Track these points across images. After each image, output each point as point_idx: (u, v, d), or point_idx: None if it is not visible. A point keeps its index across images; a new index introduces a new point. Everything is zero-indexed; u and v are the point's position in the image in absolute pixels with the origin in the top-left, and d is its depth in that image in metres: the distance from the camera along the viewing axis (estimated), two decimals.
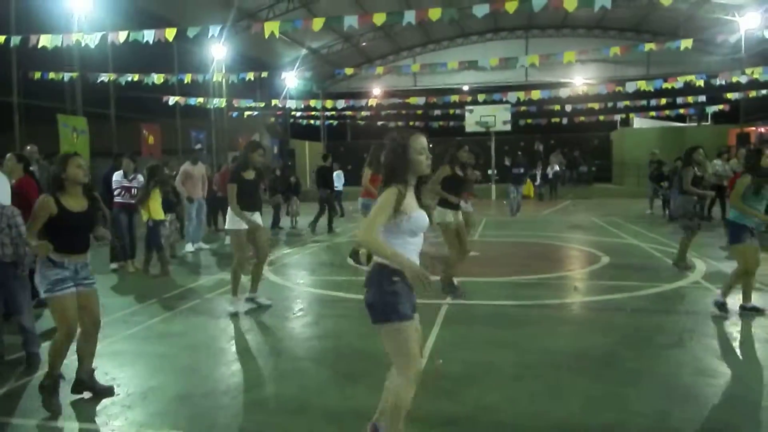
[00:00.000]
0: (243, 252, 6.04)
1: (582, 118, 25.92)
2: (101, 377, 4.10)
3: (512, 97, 17.42)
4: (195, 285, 7.59)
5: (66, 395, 3.84)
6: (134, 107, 17.16)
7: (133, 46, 10.97)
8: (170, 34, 9.39)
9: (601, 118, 25.58)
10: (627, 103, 22.94)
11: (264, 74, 16.85)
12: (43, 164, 8.86)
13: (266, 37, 8.26)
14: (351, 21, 7.68)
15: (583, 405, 3.63)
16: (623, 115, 25.60)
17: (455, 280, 6.60)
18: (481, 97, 19.46)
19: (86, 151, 13.65)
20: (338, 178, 15.43)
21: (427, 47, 30.15)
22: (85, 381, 3.91)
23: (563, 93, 15.46)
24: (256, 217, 6.05)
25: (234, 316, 5.88)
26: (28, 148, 8.81)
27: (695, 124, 28.23)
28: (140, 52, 13.47)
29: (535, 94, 16.27)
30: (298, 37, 23.65)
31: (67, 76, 13.62)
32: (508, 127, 24.09)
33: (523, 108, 23.36)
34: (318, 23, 8.27)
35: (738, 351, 4.77)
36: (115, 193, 8.50)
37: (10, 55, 12.49)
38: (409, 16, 7.38)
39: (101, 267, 8.64)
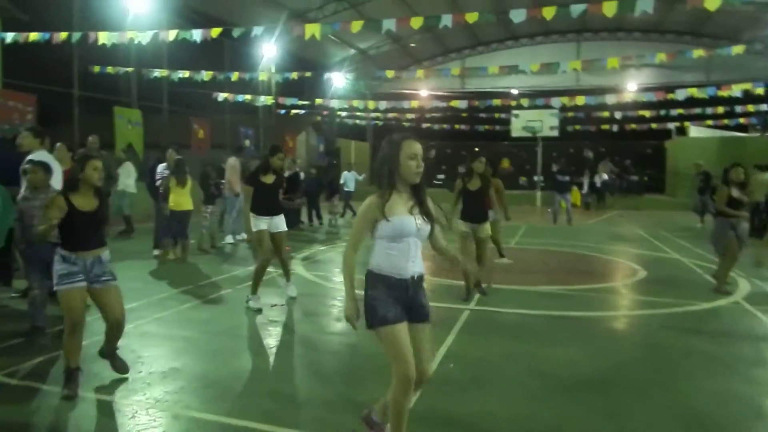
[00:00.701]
0: (266, 251, 6.08)
1: (633, 126, 25.14)
2: (128, 355, 4.33)
3: (561, 102, 17.01)
4: (229, 275, 7.83)
5: (95, 364, 4.08)
6: (186, 102, 17.81)
7: (186, 44, 11.37)
8: (216, 33, 9.73)
9: (654, 126, 24.65)
10: (681, 111, 22.05)
11: (307, 74, 17.10)
12: (105, 155, 9.32)
13: (306, 38, 8.43)
14: (389, 24, 7.77)
15: (585, 422, 3.56)
16: (677, 124, 24.60)
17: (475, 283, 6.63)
18: (523, 102, 19.04)
19: (139, 143, 14.27)
20: (350, 180, 15.52)
21: (476, 49, 29.93)
22: (104, 355, 4.12)
23: (612, 99, 14.99)
24: (277, 221, 6.13)
25: (258, 311, 5.96)
26: (90, 139, 9.30)
27: (758, 134, 26.90)
28: (193, 50, 13.92)
29: (580, 100, 15.88)
30: (347, 38, 23.94)
31: (123, 70, 14.27)
32: (555, 133, 23.65)
33: (570, 114, 22.81)
34: (356, 26, 8.39)
35: None
36: (158, 183, 8.88)
37: (71, 50, 13.18)
38: (446, 19, 7.39)
39: (146, 254, 9.07)
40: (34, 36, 10.35)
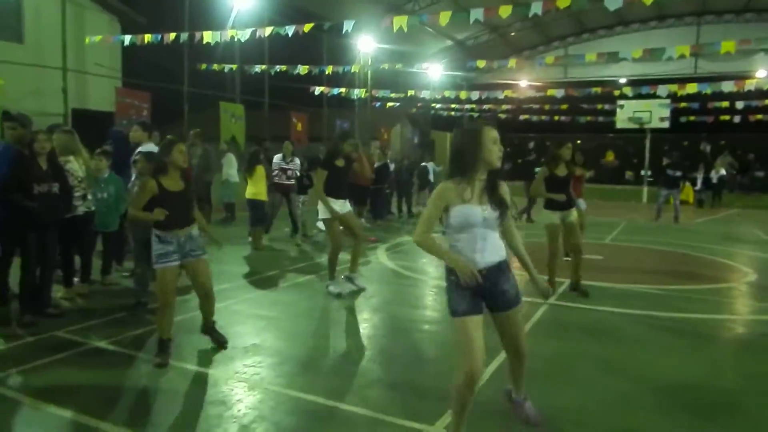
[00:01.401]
0: (337, 240, 6.26)
1: (759, 117, 22.90)
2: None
3: (669, 90, 15.75)
4: (315, 262, 8.16)
5: (189, 337, 4.47)
6: (285, 96, 18.63)
7: (285, 41, 11.90)
8: (308, 28, 10.10)
9: None
10: None
11: (397, 66, 17.23)
12: (206, 148, 10.07)
13: (395, 30, 8.54)
14: (477, 14, 7.64)
15: (659, 429, 3.36)
16: None
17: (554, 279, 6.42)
18: (627, 90, 17.80)
19: (241, 136, 15.14)
20: (430, 172, 15.31)
21: (580, 37, 28.63)
22: (205, 331, 4.50)
23: (733, 87, 13.60)
24: (344, 205, 6.28)
25: (338, 296, 6.18)
26: (191, 133, 10.07)
27: None
28: (293, 46, 14.56)
29: (691, 88, 14.62)
30: (444, 29, 23.80)
31: (228, 67, 15.19)
32: (666, 125, 22.08)
33: (682, 104, 21.07)
34: (444, 17, 8.33)
35: None
36: (273, 173, 9.50)
37: (182, 49, 14.24)
38: (536, 7, 7.13)
39: (242, 239, 9.65)
40: (148, 37, 11.30)
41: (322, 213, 6.23)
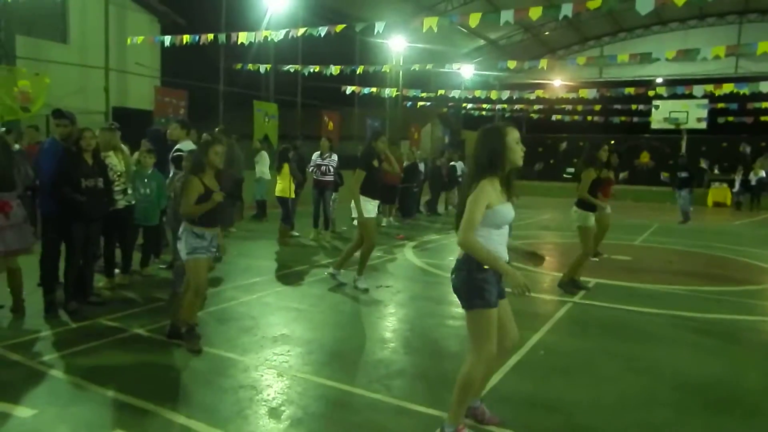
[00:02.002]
0: (373, 237, 6.39)
1: None
2: (248, 321, 4.95)
3: (705, 90, 15.41)
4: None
5: (222, 326, 4.69)
6: (318, 96, 18.91)
7: (318, 41, 12.09)
8: (339, 28, 10.29)
9: None
10: None
11: (428, 66, 17.30)
12: (231, 142, 10.33)
13: (424, 30, 8.66)
14: (507, 15, 7.68)
15: (678, 427, 3.41)
16: None
17: (580, 279, 6.47)
18: (660, 91, 17.47)
19: (274, 134, 15.44)
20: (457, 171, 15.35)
21: (617, 36, 28.18)
22: (174, 329, 4.52)
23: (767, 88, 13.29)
24: (375, 207, 6.39)
25: (365, 291, 6.34)
26: (216, 129, 10.38)
27: None
28: (326, 46, 14.76)
29: (728, 88, 14.28)
30: (476, 29, 23.74)
31: (263, 67, 15.52)
32: (703, 125, 21.66)
33: (720, 104, 20.52)
34: (474, 18, 8.37)
35: None
36: (311, 170, 9.78)
37: (218, 49, 14.60)
38: (567, 9, 7.11)
39: (275, 234, 9.88)
40: (187, 38, 11.65)
41: (364, 213, 6.25)
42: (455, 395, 2.94)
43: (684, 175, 14.04)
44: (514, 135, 2.92)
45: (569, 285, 6.39)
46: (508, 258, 2.96)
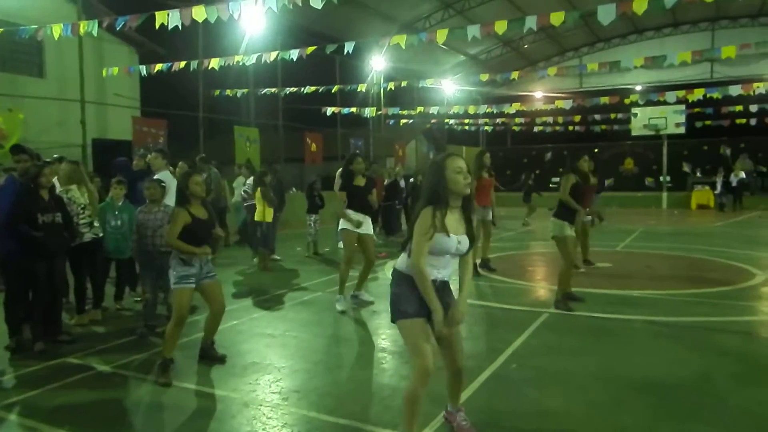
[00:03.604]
0: (351, 252, 6.42)
1: None
2: (222, 350, 4.85)
3: (677, 96, 15.66)
4: (326, 279, 8.29)
5: (189, 360, 4.64)
6: (299, 118, 18.97)
7: (299, 63, 12.14)
8: (310, 50, 10.40)
9: None
10: None
11: (403, 83, 17.45)
12: (212, 170, 10.35)
13: (390, 45, 8.80)
14: (474, 31, 7.77)
15: (647, 428, 3.41)
16: None
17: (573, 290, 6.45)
18: (634, 98, 17.72)
19: (257, 158, 15.46)
20: None
21: (595, 46, 28.59)
22: (204, 350, 4.72)
23: (737, 91, 13.48)
24: (368, 223, 6.44)
25: (342, 313, 6.30)
26: (197, 159, 10.39)
27: None
28: (306, 68, 14.84)
29: (699, 92, 14.50)
30: (456, 45, 24.02)
31: (241, 92, 15.58)
32: (681, 130, 21.90)
33: (696, 109, 20.78)
34: (441, 35, 8.46)
35: None
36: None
37: (197, 77, 14.67)
38: (530, 22, 7.23)
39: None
40: (159, 66, 11.71)
41: (343, 224, 6.39)
42: (403, 409, 2.97)
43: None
44: (453, 165, 2.95)
45: (564, 301, 6.24)
46: (440, 277, 3.01)
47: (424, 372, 2.86)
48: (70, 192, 5.69)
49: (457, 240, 2.96)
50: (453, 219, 2.96)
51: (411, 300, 2.94)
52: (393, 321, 3.02)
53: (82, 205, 5.80)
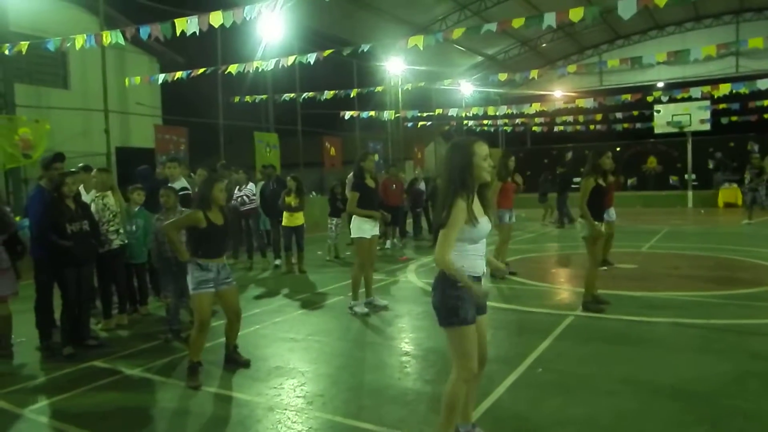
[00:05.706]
0: (363, 259, 6.44)
1: None
2: (246, 354, 4.87)
3: (702, 92, 15.27)
4: (346, 283, 8.26)
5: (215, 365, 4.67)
6: (319, 122, 19.06)
7: (317, 68, 12.17)
8: (327, 53, 10.45)
9: None
10: None
11: (420, 84, 17.41)
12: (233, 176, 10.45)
13: (408, 46, 8.77)
14: (490, 27, 7.73)
15: None
16: None
17: (599, 292, 6.35)
18: (657, 95, 17.38)
19: (277, 163, 15.55)
20: None
21: (614, 44, 28.18)
22: (228, 355, 4.76)
23: (766, 85, 13.11)
24: (374, 227, 6.44)
25: (357, 315, 6.32)
26: (218, 165, 10.50)
27: None
28: (324, 73, 14.89)
29: (725, 88, 14.14)
30: (473, 45, 23.91)
31: (260, 98, 15.70)
32: (706, 126, 21.46)
33: (721, 105, 20.28)
34: (458, 32, 8.44)
35: None
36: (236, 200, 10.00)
37: (216, 84, 14.83)
38: (549, 19, 7.14)
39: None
40: (179, 74, 11.86)
41: (355, 232, 6.43)
42: (442, 414, 2.94)
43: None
44: (481, 151, 2.89)
45: (593, 303, 6.14)
46: (485, 270, 2.97)
47: (471, 374, 2.89)
48: (106, 198, 5.81)
49: (488, 222, 2.96)
50: (477, 204, 2.92)
51: (471, 305, 2.86)
52: (448, 326, 2.89)
53: (115, 212, 5.90)
